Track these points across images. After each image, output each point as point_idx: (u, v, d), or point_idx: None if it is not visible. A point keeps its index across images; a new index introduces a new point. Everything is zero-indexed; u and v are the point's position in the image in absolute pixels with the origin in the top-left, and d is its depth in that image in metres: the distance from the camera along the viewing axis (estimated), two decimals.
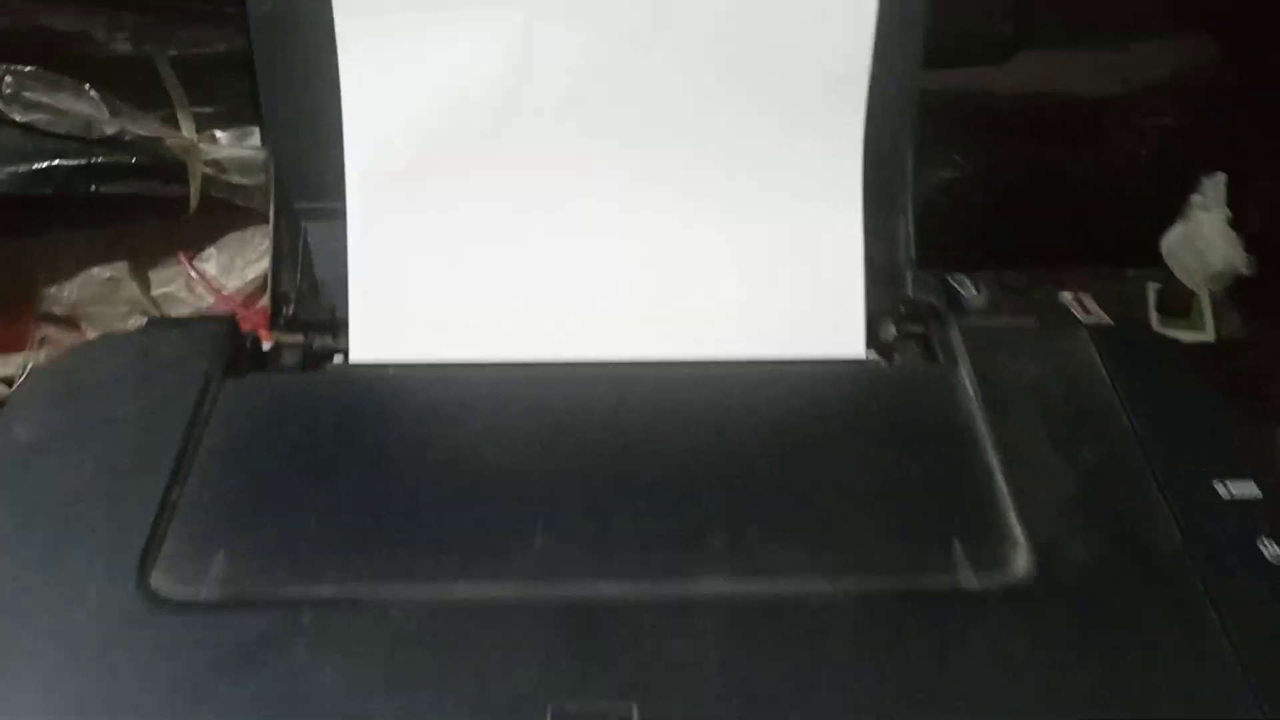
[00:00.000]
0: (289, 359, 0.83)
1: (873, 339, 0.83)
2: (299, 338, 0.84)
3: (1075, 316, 1.24)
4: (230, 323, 0.79)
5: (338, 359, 0.82)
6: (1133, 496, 0.66)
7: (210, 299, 1.13)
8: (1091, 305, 1.29)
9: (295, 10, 0.81)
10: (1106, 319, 1.26)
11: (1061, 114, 1.15)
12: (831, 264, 0.83)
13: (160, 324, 0.85)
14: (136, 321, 1.02)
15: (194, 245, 1.15)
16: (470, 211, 0.83)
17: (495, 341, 0.82)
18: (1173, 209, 1.10)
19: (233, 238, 1.15)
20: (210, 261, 1.15)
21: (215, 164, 1.13)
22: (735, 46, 0.81)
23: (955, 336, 0.82)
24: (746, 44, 0.81)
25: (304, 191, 0.86)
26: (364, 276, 0.82)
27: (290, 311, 0.86)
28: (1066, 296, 1.29)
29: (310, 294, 0.88)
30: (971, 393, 0.75)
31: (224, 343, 0.77)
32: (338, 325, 0.83)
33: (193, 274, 1.18)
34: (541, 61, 0.81)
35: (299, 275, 0.87)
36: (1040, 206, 1.11)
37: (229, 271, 1.15)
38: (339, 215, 0.81)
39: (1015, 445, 0.70)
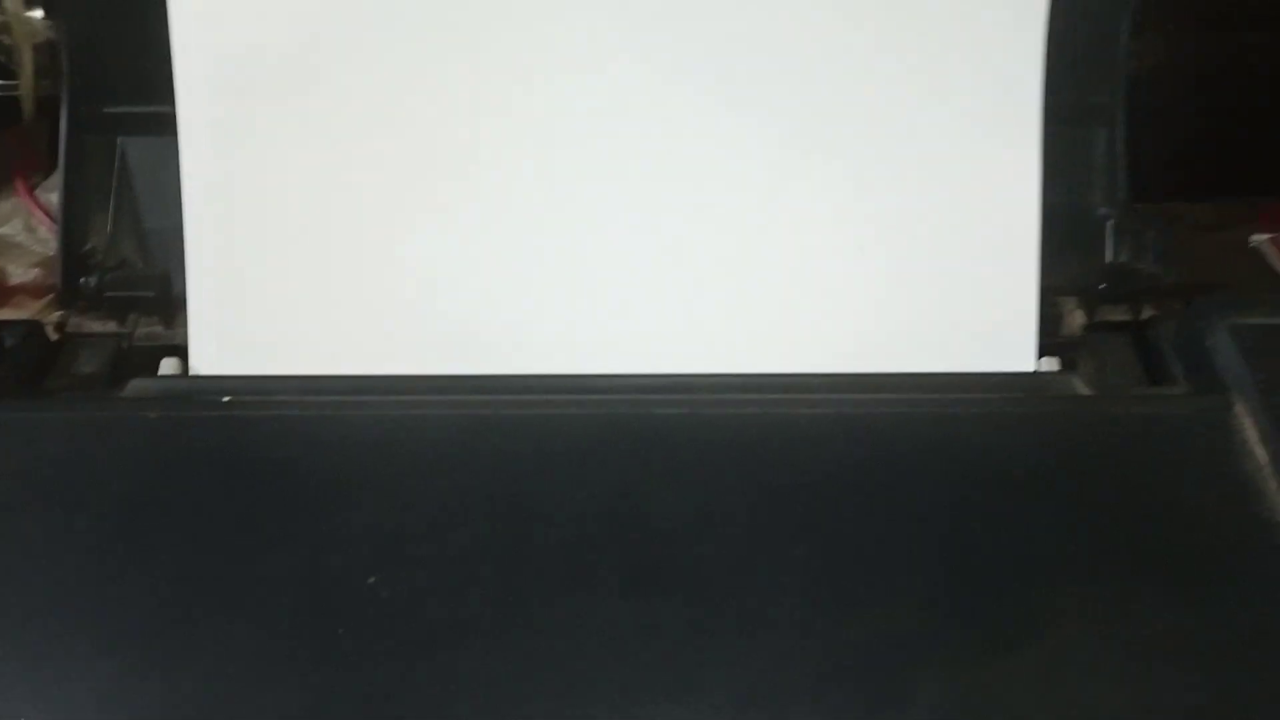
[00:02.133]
0: (89, 362, 0.59)
1: (1050, 334, 0.57)
2: (110, 324, 0.60)
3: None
4: None
5: (168, 365, 0.59)
6: None
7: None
8: None
9: None
10: None
11: None
12: (982, 209, 0.57)
13: None
14: None
15: (35, 167, 0.86)
16: (390, 128, 0.58)
17: (427, 344, 0.57)
18: None
19: None
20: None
21: (53, 48, 0.80)
22: None
23: (1223, 343, 0.49)
24: None
25: (117, 86, 0.62)
26: (209, 226, 0.58)
27: (95, 281, 0.61)
28: (1262, 240, 0.98)
29: (131, 251, 0.63)
30: (1270, 465, 0.46)
31: None
32: (173, 304, 0.60)
33: (36, 211, 0.87)
34: None
35: (110, 221, 0.62)
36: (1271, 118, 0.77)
37: None
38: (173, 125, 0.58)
39: None
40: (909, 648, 0.42)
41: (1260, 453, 0.47)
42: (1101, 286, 0.58)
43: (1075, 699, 0.41)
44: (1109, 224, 0.60)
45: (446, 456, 0.49)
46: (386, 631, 0.43)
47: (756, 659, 0.42)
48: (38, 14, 0.80)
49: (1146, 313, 0.58)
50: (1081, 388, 0.53)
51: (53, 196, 0.89)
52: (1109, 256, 0.60)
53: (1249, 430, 0.48)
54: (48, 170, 0.88)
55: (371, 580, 0.44)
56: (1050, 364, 0.56)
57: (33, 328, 0.58)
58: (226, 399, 0.52)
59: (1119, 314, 0.59)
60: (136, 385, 0.54)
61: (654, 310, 0.56)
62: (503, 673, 0.42)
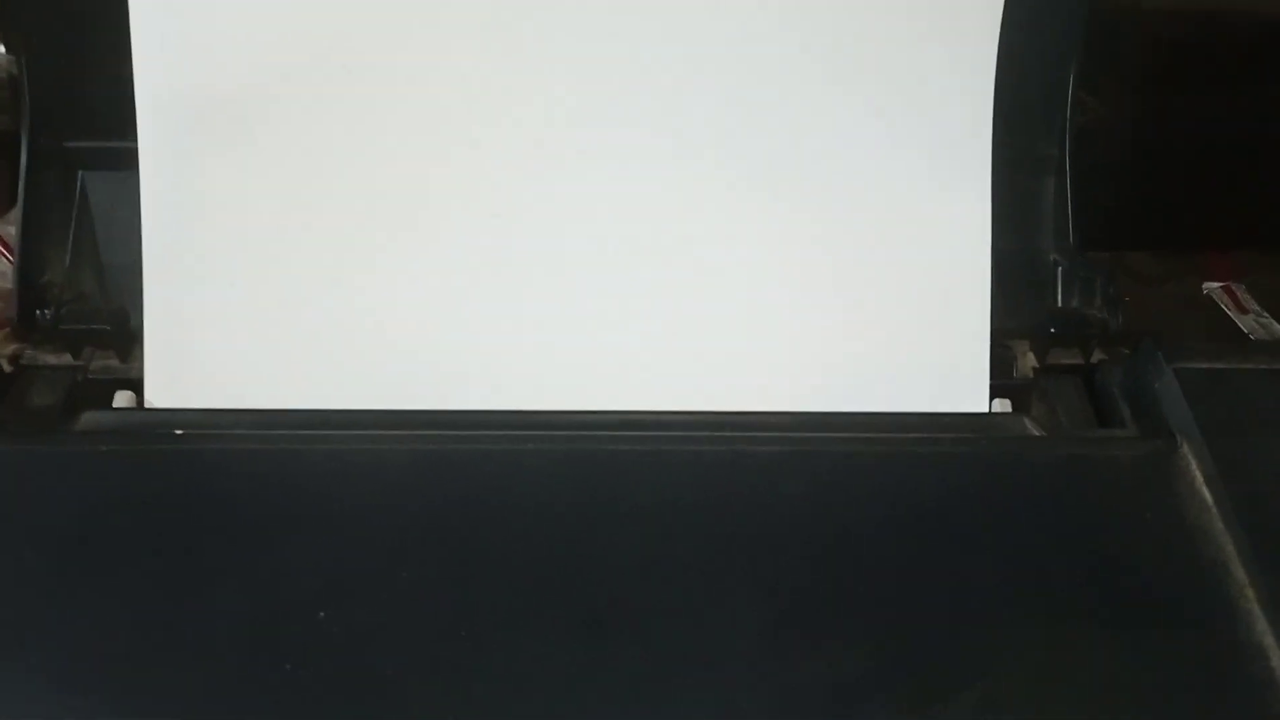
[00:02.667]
0: (42, 394, 0.58)
1: (1002, 376, 0.58)
2: (65, 357, 0.60)
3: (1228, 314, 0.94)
4: None
5: (122, 398, 0.58)
6: None
7: None
8: (1248, 300, 0.98)
9: None
10: (1271, 321, 0.95)
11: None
12: (935, 253, 0.57)
13: None
14: None
15: None
16: (350, 164, 0.57)
17: (382, 379, 0.56)
18: None
19: None
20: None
21: (14, 82, 0.78)
22: None
23: (1169, 387, 0.49)
24: None
25: (78, 121, 0.61)
26: (168, 261, 0.57)
27: (51, 314, 0.59)
28: (1214, 288, 0.98)
29: (89, 285, 0.62)
30: (1216, 507, 0.47)
31: None
32: (128, 338, 0.59)
33: None
34: None
35: (68, 255, 0.61)
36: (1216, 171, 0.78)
37: None
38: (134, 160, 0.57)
39: None
40: (861, 687, 0.42)
41: (1206, 494, 0.47)
42: (1052, 330, 0.59)
43: None
44: (1059, 269, 0.60)
45: (400, 492, 0.48)
46: (336, 667, 0.42)
47: (712, 700, 0.42)
48: None
49: (1096, 356, 0.58)
50: (1033, 428, 0.53)
51: (12, 229, 0.89)
52: (1059, 301, 0.60)
53: (1195, 472, 0.48)
54: (7, 204, 0.90)
55: (321, 615, 0.43)
56: (1002, 405, 0.57)
57: None
58: (180, 432, 0.51)
59: (1069, 357, 0.59)
60: (90, 418, 0.53)
61: (611, 347, 0.56)
62: (453, 713, 0.41)
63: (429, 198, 0.56)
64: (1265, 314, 0.92)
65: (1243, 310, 0.93)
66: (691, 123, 0.56)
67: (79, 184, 0.61)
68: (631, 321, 0.56)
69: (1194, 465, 0.48)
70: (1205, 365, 0.50)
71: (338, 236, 0.56)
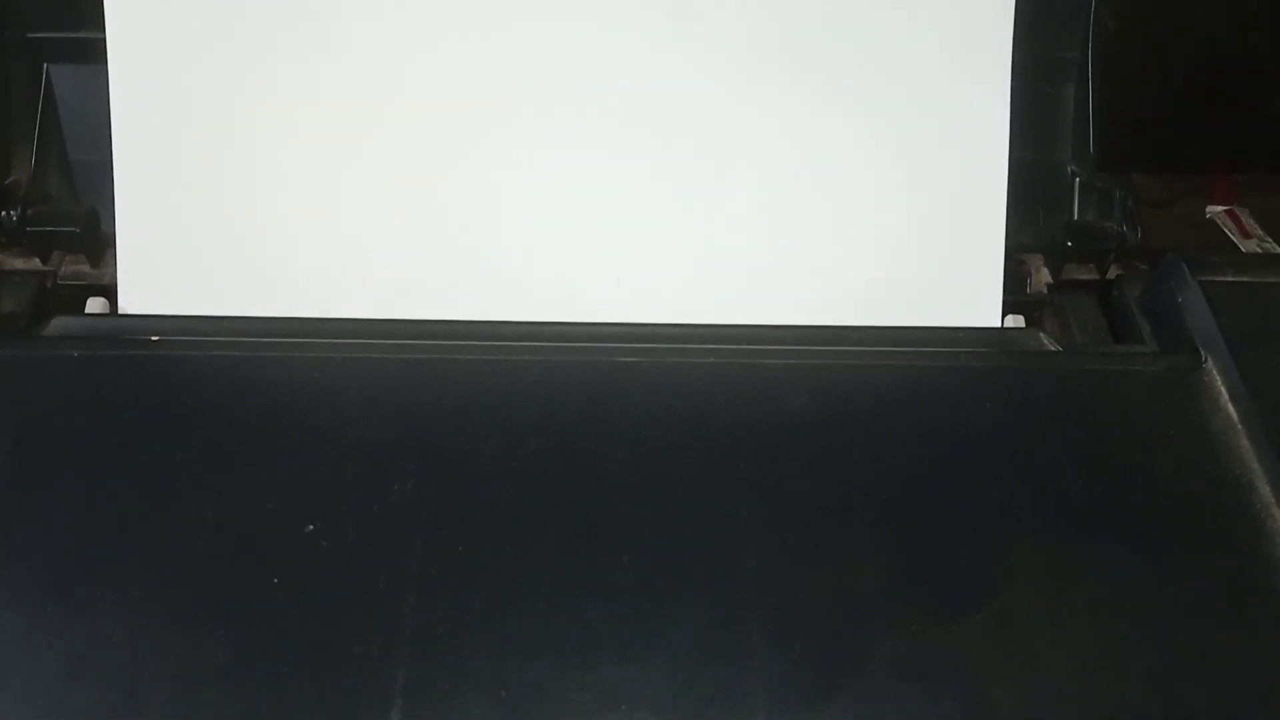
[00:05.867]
0: (11, 300, 0.55)
1: (1015, 292, 0.55)
2: (34, 261, 0.57)
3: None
4: None
5: (95, 304, 0.55)
6: None
7: None
8: (1251, 225, 0.97)
9: None
10: (1274, 245, 0.93)
11: None
12: (951, 163, 0.54)
13: None
14: None
15: None
16: (331, 59, 0.54)
17: (365, 287, 0.53)
18: None
19: None
20: None
21: None
22: None
23: (1194, 301, 0.47)
24: None
25: (43, 10, 0.58)
26: (140, 160, 0.54)
27: (17, 215, 0.57)
28: (1218, 212, 0.96)
29: (57, 185, 0.59)
30: (1241, 423, 0.45)
31: None
32: (101, 242, 0.56)
33: None
34: None
35: (35, 152, 0.58)
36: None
37: None
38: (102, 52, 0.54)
39: None
40: (868, 602, 0.40)
41: (1231, 410, 0.45)
42: (1069, 244, 0.56)
43: (1036, 656, 0.39)
44: (1076, 182, 0.58)
45: (388, 403, 0.46)
46: (325, 582, 0.40)
47: (710, 613, 0.40)
48: None
49: (1112, 272, 0.56)
50: (1048, 344, 0.51)
51: None
52: (1075, 215, 0.58)
53: (1220, 388, 0.46)
54: None
55: (310, 529, 0.41)
56: (1015, 321, 0.54)
57: None
58: (155, 339, 0.49)
59: (1085, 273, 0.57)
60: (60, 323, 0.51)
61: (615, 258, 0.54)
62: (442, 625, 0.39)
63: (415, 94, 0.53)
64: (1269, 238, 0.90)
65: (1246, 235, 0.91)
66: (700, 13, 0.53)
67: (44, 77, 0.58)
68: (634, 231, 0.53)
69: (1218, 380, 0.46)
70: (1231, 279, 0.48)
71: (320, 133, 0.53)
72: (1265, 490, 0.43)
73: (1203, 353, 0.47)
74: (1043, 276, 0.57)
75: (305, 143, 0.53)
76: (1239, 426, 0.44)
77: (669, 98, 0.53)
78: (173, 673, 0.37)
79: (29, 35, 0.57)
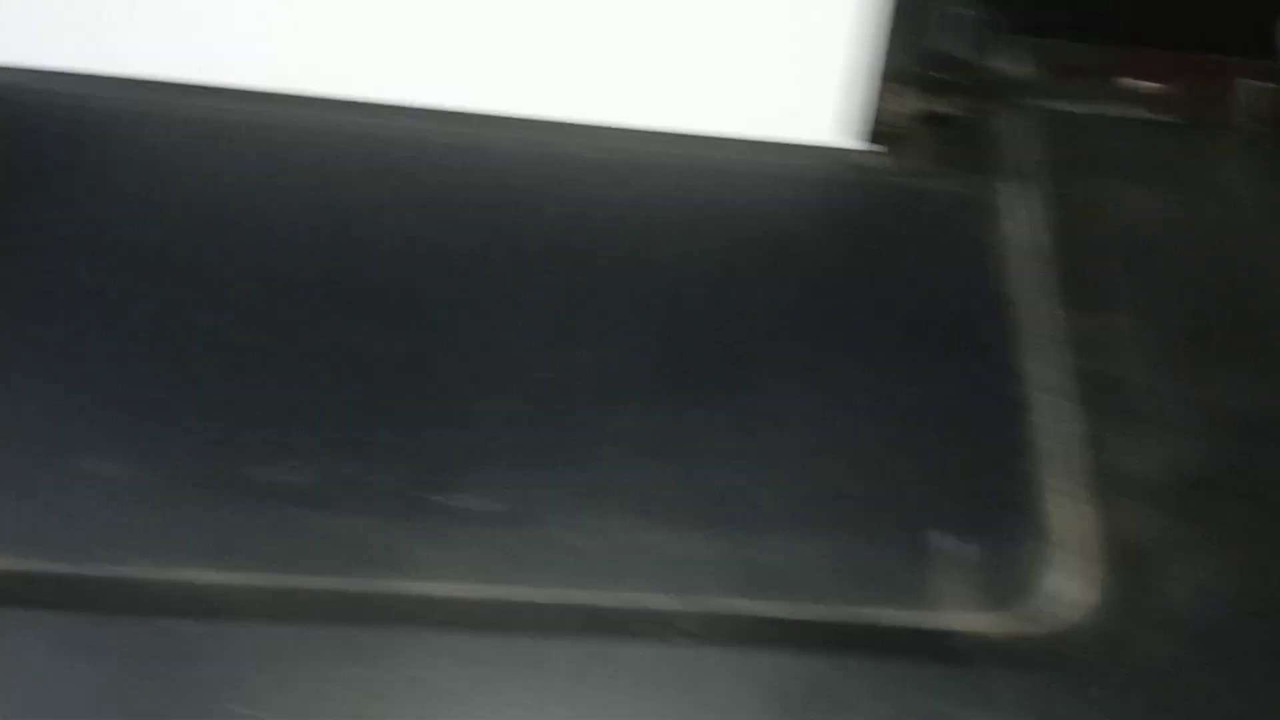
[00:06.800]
0: None
1: (873, 119, 0.54)
2: None
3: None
4: None
5: None
6: None
7: None
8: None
9: None
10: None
11: None
12: None
13: None
14: None
15: None
16: None
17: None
18: None
19: None
20: None
21: None
22: None
23: (1019, 128, 0.48)
24: None
25: None
26: None
27: None
28: (1129, 85, 0.96)
29: None
30: (1047, 246, 0.46)
31: None
32: None
33: None
34: None
35: None
36: None
37: None
38: None
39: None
40: (621, 384, 0.42)
41: (1027, 234, 0.47)
42: (929, 74, 0.56)
43: (781, 446, 0.41)
44: (934, 9, 0.57)
45: (184, 162, 0.47)
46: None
47: (475, 387, 0.42)
48: None
49: (969, 104, 0.57)
50: (889, 167, 0.52)
51: None
52: (939, 45, 0.58)
53: (1023, 212, 0.48)
54: None
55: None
56: (866, 146, 0.55)
57: None
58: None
59: (943, 106, 0.56)
60: None
61: (445, 42, 0.52)
62: (276, 404, 0.41)
63: None
64: None
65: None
66: None
67: None
68: (471, 17, 0.52)
69: (1026, 205, 0.47)
70: (1069, 109, 0.49)
71: None
72: (1040, 308, 0.44)
73: (1022, 179, 0.48)
74: (900, 105, 0.56)
75: None
76: (1029, 250, 0.46)
77: None
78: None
79: None
